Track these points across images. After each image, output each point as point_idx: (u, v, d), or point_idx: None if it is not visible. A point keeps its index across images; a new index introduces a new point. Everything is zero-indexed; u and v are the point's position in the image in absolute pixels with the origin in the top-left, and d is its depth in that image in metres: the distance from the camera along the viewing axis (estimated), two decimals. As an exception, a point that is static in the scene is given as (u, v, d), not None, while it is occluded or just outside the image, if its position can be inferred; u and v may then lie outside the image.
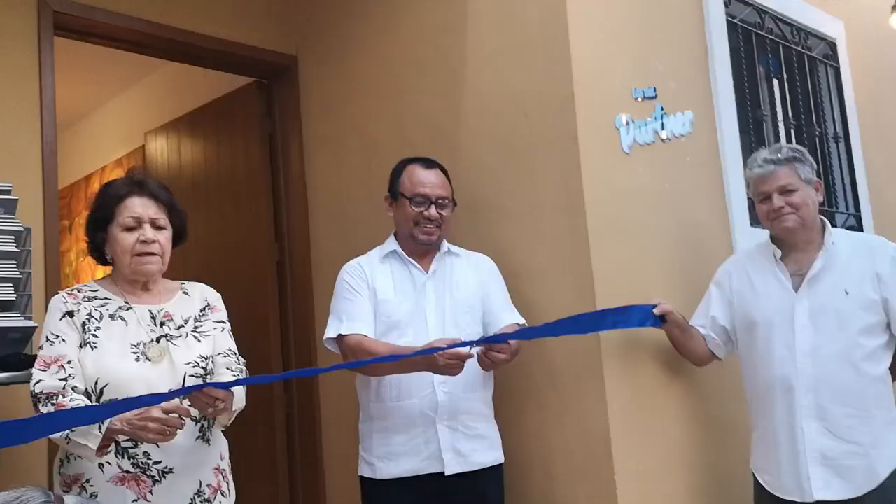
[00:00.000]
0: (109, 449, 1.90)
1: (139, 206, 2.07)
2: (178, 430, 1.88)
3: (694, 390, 2.67)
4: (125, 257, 2.06)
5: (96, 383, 1.94)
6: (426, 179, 2.48)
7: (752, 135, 3.33)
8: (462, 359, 2.19)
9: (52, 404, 1.85)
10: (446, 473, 2.32)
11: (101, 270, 2.19)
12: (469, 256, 2.58)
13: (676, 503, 2.54)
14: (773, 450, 2.34)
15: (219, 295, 2.26)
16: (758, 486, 2.41)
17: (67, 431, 1.82)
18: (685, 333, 2.50)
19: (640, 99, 2.75)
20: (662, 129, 2.81)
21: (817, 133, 3.80)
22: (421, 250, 2.50)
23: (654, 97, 2.80)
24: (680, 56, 3.00)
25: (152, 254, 2.06)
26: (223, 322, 2.20)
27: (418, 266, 2.49)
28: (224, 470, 2.13)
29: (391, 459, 2.35)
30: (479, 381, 2.40)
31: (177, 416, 1.85)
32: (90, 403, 1.91)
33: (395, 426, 2.35)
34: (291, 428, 3.54)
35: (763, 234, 2.53)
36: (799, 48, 3.75)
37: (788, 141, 3.62)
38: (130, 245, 2.05)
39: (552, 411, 2.53)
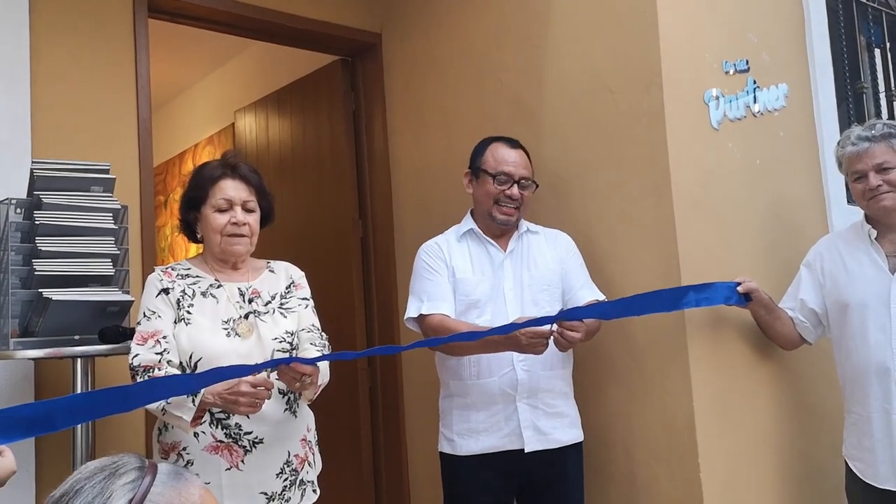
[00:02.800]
0: (202, 420, 1.99)
1: (231, 189, 2.13)
2: (266, 401, 1.96)
3: (783, 373, 2.59)
4: (216, 237, 2.13)
5: (191, 357, 2.03)
6: (510, 158, 2.46)
7: (851, 108, 3.18)
8: (545, 336, 2.19)
9: (149, 377, 1.94)
10: (526, 451, 2.32)
11: (194, 247, 2.27)
12: (547, 233, 2.55)
13: (762, 488, 2.49)
14: (867, 437, 2.25)
15: (302, 273, 2.32)
16: (850, 474, 2.33)
17: (164, 403, 1.91)
18: (771, 314, 2.43)
19: (731, 72, 2.66)
20: (755, 103, 2.71)
21: (922, 106, 3.60)
22: (498, 229, 2.48)
23: (747, 70, 2.70)
24: (774, 26, 2.88)
25: (242, 235, 2.13)
26: (307, 299, 2.26)
27: (496, 244, 2.48)
28: (310, 441, 2.20)
29: (471, 436, 2.37)
30: (558, 359, 2.38)
31: (263, 388, 1.92)
32: (180, 376, 1.98)
33: (475, 403, 2.37)
34: (375, 401, 3.60)
35: (861, 213, 2.42)
36: (903, 15, 3.56)
37: (890, 115, 3.44)
38: (221, 226, 2.12)
39: (635, 391, 2.50)
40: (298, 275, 2.30)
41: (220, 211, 2.12)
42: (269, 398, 1.96)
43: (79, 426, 2.28)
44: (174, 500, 0.92)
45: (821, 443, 2.61)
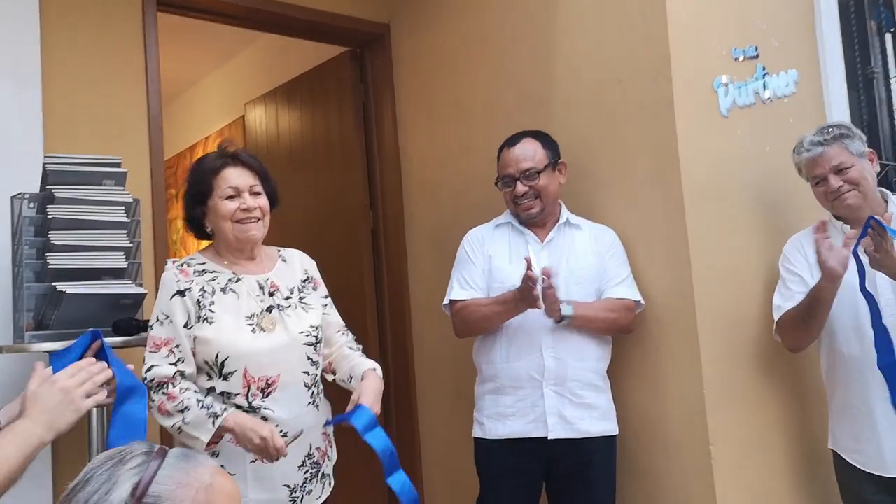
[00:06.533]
0: (219, 441, 1.99)
1: (236, 177, 2.11)
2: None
3: (793, 361, 2.58)
4: (227, 224, 2.09)
5: (217, 357, 1.99)
6: (508, 158, 2.50)
7: (862, 94, 3.16)
8: (533, 281, 2.19)
9: (164, 393, 1.94)
10: (549, 438, 2.34)
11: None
12: (591, 228, 2.56)
13: (775, 476, 2.49)
14: (867, 428, 2.23)
15: (313, 261, 2.31)
16: (845, 467, 2.31)
17: (180, 422, 1.92)
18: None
19: (740, 59, 2.65)
20: (764, 89, 2.70)
21: (935, 90, 3.56)
22: (536, 221, 2.52)
23: (756, 56, 2.69)
24: (783, 12, 2.86)
25: (256, 218, 2.11)
26: (327, 297, 2.27)
27: (533, 234, 2.52)
28: (329, 434, 2.21)
29: (499, 420, 2.41)
30: (590, 351, 2.40)
31: (281, 446, 1.92)
32: (197, 393, 1.97)
33: (504, 387, 2.41)
34: (387, 389, 3.58)
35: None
36: (916, -2, 3.52)
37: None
38: (231, 212, 2.08)
39: (646, 382, 2.51)
40: (312, 267, 2.29)
41: (229, 199, 2.09)
42: (278, 458, 1.95)
43: (94, 419, 2.31)
44: (182, 480, 0.94)
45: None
